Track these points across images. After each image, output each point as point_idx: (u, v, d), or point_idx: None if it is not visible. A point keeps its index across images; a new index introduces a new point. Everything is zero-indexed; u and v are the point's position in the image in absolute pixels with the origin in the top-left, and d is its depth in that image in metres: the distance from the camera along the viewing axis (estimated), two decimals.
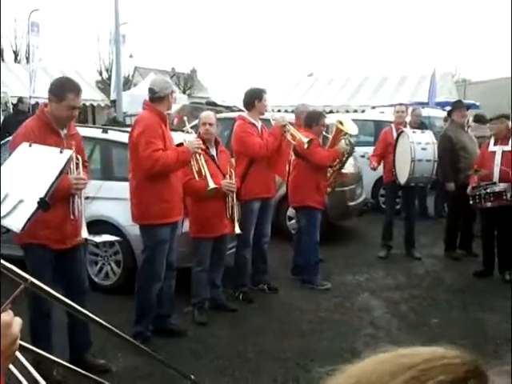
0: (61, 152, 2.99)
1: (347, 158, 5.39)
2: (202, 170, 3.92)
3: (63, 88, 3.13)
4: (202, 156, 3.94)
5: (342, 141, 5.10)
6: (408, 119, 6.69)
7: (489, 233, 5.66)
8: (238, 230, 4.27)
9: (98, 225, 4.60)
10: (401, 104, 6.65)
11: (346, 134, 5.13)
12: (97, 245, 4.60)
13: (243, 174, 4.58)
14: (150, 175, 3.59)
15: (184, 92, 26.15)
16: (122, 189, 4.25)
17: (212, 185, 3.91)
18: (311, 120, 5.06)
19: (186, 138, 3.95)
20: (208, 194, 3.96)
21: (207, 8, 72.84)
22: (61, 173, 2.90)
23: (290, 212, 6.56)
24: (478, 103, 16.64)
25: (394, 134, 6.11)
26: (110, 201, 4.74)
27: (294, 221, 6.53)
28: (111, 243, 4.76)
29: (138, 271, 3.93)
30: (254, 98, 4.72)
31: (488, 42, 68.26)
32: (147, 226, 3.72)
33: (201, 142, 3.90)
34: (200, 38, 71.40)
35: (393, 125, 6.35)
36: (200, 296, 4.24)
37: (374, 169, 6.31)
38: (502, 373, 0.52)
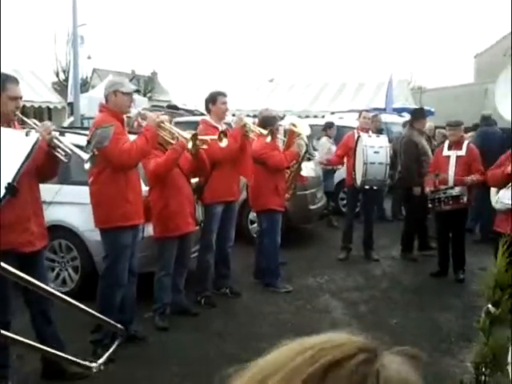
0: (27, 135, 2.90)
1: (303, 159, 5.46)
2: (173, 132, 3.89)
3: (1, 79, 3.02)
4: (166, 123, 3.91)
5: (297, 142, 5.17)
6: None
7: (444, 235, 5.87)
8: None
9: (56, 230, 4.48)
10: (366, 110, 6.81)
11: (300, 134, 5.22)
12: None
13: (206, 176, 4.57)
14: (131, 166, 3.59)
15: (144, 95, 25.79)
16: (80, 193, 4.18)
17: (188, 135, 3.86)
18: (266, 124, 5.08)
19: None
20: (193, 149, 3.94)
21: (169, 10, 72.34)
22: (27, 157, 2.82)
23: (252, 216, 6.59)
24: (432, 109, 17.23)
25: (356, 139, 6.27)
26: (67, 205, 4.63)
27: (255, 224, 6.57)
28: (68, 248, 4.66)
29: (99, 277, 3.85)
30: (208, 102, 4.74)
31: (442, 50, 70.87)
32: (109, 230, 3.65)
33: (159, 113, 3.90)
34: (161, 40, 70.72)
35: (355, 130, 6.51)
36: (162, 301, 4.20)
37: (333, 166, 6.49)
38: (399, 353, 0.56)
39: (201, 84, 19.92)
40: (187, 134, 3.91)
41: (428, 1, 76.18)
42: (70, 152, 3.11)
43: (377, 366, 0.51)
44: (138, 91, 4.33)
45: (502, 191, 4.52)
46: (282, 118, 6.38)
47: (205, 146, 4.25)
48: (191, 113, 10.35)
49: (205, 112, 7.70)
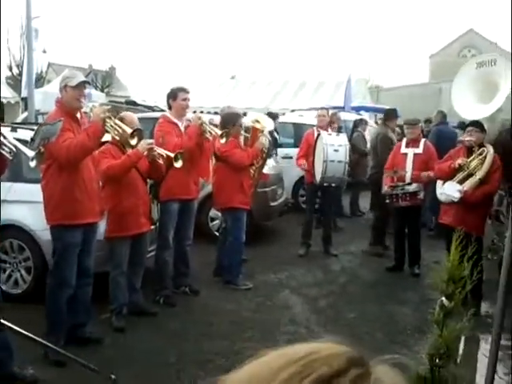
0: None
1: (268, 156, 5.48)
2: (119, 129, 3.77)
3: None
4: (112, 118, 3.78)
5: (261, 138, 5.16)
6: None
7: (400, 230, 6.02)
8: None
9: (7, 230, 4.30)
10: (322, 108, 6.87)
11: (263, 131, 5.21)
12: None
13: (162, 174, 4.49)
14: (71, 164, 3.44)
15: (102, 90, 25.16)
16: (33, 191, 4.02)
17: (130, 130, 3.75)
18: (228, 121, 5.06)
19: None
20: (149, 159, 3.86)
21: (127, 4, 70.87)
22: None
23: (212, 213, 6.55)
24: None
25: (315, 137, 6.32)
26: (19, 204, 4.44)
27: (216, 222, 6.53)
28: (20, 248, 4.48)
29: (48, 276, 3.72)
30: (169, 98, 4.67)
31: (399, 51, 72.65)
32: (56, 227, 3.52)
33: (105, 107, 3.79)
34: (120, 34, 69.29)
35: (315, 128, 6.56)
36: (118, 301, 4.10)
37: (301, 167, 6.51)
38: (383, 362, 0.54)
39: (161, 80, 19.55)
40: (129, 129, 3.77)
41: (385, 2, 78.01)
42: (14, 149, 2.98)
43: (371, 382, 0.49)
44: (87, 82, 4.14)
45: (446, 183, 4.67)
46: (244, 115, 6.35)
47: (161, 161, 4.16)
48: (151, 109, 10.16)
49: (165, 108, 7.60)
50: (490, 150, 4.56)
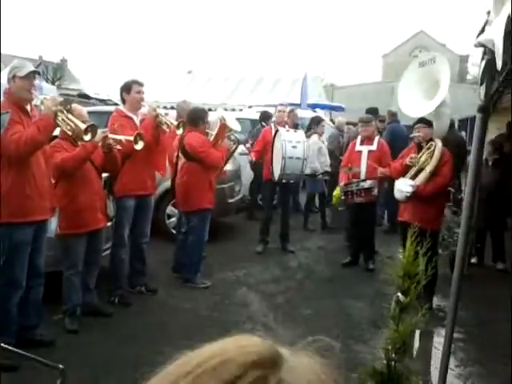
0: None
1: (232, 155, 5.45)
2: (72, 123, 3.62)
3: None
4: (65, 111, 3.63)
5: (227, 137, 5.11)
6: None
7: (355, 226, 6.14)
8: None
9: None
10: (281, 104, 6.89)
11: (231, 130, 5.16)
12: None
13: (117, 169, 4.36)
14: (21, 158, 3.28)
15: (53, 83, 24.25)
16: None
17: (83, 125, 3.62)
18: (197, 118, 4.96)
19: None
20: (105, 149, 3.75)
21: None
22: None
23: (170, 210, 6.44)
24: (343, 106, 17.94)
25: (273, 133, 6.33)
26: None
27: (173, 219, 6.43)
28: None
29: None
30: (122, 91, 4.55)
31: (353, 50, 74.08)
32: (5, 225, 3.34)
33: (57, 99, 3.65)
34: (71, 24, 66.91)
35: (273, 124, 6.57)
36: (72, 302, 3.95)
37: (253, 163, 6.49)
38: (310, 347, 0.51)
39: (115, 73, 19.05)
40: (83, 125, 3.64)
41: (339, 3, 79.33)
42: None
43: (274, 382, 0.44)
44: (37, 73, 3.93)
45: (399, 180, 4.79)
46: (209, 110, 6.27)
47: (118, 147, 4.05)
48: (104, 102, 9.89)
49: (118, 102, 7.40)
50: (438, 144, 4.70)
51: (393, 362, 2.41)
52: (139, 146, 4.13)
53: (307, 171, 6.58)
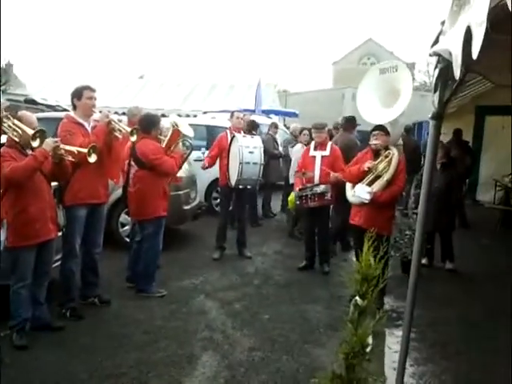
0: None
1: (184, 161, 5.38)
2: (19, 129, 3.44)
3: None
4: (11, 118, 3.45)
5: (180, 143, 5.04)
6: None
7: (310, 230, 6.20)
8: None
9: None
10: (239, 111, 6.88)
11: (184, 136, 5.09)
12: None
13: (68, 177, 4.19)
14: None
15: None
16: None
17: (31, 130, 3.45)
18: (150, 124, 4.87)
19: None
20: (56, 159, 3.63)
21: None
22: None
23: (123, 218, 6.28)
24: (297, 112, 18.18)
25: (229, 139, 6.30)
26: None
27: (126, 227, 6.27)
28: None
29: None
30: (73, 97, 4.39)
31: (304, 57, 75.41)
32: None
33: (3, 104, 3.48)
34: (18, 27, 64.31)
35: (228, 130, 6.54)
36: (20, 316, 3.75)
37: (204, 168, 6.44)
38: None
39: (63, 78, 18.47)
40: (31, 130, 3.49)
41: (290, 12, 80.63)
42: None
43: None
44: None
45: (357, 186, 4.87)
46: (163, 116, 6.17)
47: (70, 158, 3.90)
48: (52, 108, 9.55)
49: (68, 108, 7.14)
50: (394, 153, 4.83)
51: (352, 366, 2.43)
52: (92, 158, 4.01)
53: (291, 180, 6.63)
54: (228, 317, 4.58)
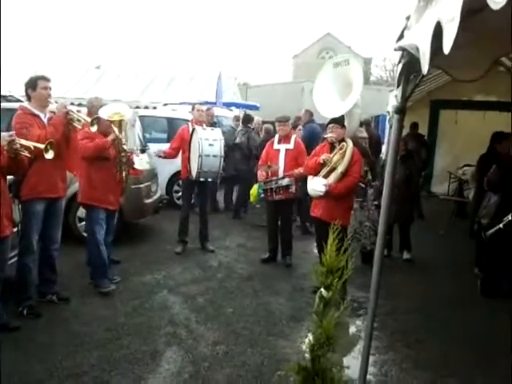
0: None
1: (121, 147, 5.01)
2: None
3: None
4: None
5: (115, 129, 4.69)
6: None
7: (273, 223, 6.23)
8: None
9: None
10: (201, 103, 6.78)
11: (121, 121, 4.75)
12: None
13: (24, 171, 4.02)
14: None
15: None
16: None
17: None
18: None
19: None
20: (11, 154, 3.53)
21: None
22: None
23: (81, 212, 6.10)
24: (258, 105, 18.20)
25: (191, 132, 6.22)
26: None
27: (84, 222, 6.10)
28: None
29: None
30: (27, 87, 4.22)
31: (265, 50, 75.47)
32: None
33: None
34: None
35: (190, 123, 6.46)
36: None
37: (161, 157, 6.43)
38: None
39: (16, 67, 17.76)
40: None
41: (251, 5, 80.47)
42: None
43: None
44: None
45: (314, 179, 4.94)
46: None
47: (27, 154, 3.74)
48: (4, 99, 9.13)
49: (21, 98, 6.84)
50: (349, 145, 4.91)
51: (317, 358, 2.45)
52: (50, 155, 3.86)
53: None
54: (191, 311, 4.55)
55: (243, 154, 8.84)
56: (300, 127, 8.07)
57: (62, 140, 4.19)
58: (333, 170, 4.86)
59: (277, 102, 24.49)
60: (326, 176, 4.87)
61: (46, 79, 4.26)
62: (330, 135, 4.97)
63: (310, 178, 5.12)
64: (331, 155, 4.89)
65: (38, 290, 4.45)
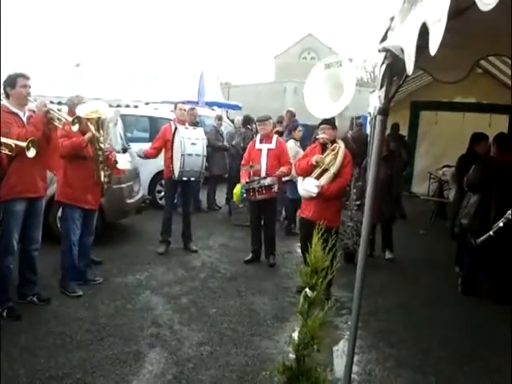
0: None
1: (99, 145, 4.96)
2: None
3: None
4: None
5: (92, 127, 4.64)
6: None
7: (256, 222, 6.23)
8: None
9: None
10: (183, 102, 6.74)
11: (99, 118, 4.69)
12: None
13: (4, 170, 3.94)
14: None
15: None
16: None
17: None
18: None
19: None
20: None
21: None
22: None
23: (61, 213, 6.01)
24: (240, 105, 18.18)
25: (173, 131, 6.18)
26: None
27: None
28: None
29: None
30: (6, 85, 4.13)
31: (246, 50, 75.46)
32: None
33: None
34: None
35: (172, 122, 6.41)
36: None
37: (143, 157, 6.41)
38: None
39: None
40: None
41: (233, 4, 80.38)
42: None
43: None
44: None
45: (306, 180, 4.95)
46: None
47: (7, 152, 3.67)
48: None
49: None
50: (341, 146, 4.93)
51: (302, 357, 2.46)
52: (31, 153, 3.81)
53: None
54: (175, 312, 4.52)
55: (240, 155, 8.86)
56: (300, 128, 8.02)
57: (43, 139, 4.12)
58: (325, 171, 4.86)
59: (259, 101, 24.54)
60: (318, 177, 4.87)
61: (26, 77, 4.19)
62: (321, 136, 4.98)
63: (300, 179, 5.13)
64: (323, 156, 4.90)
65: (18, 291, 4.38)
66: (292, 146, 7.30)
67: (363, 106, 10.37)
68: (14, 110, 4.12)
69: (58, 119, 4.21)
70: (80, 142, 4.62)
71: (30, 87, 4.21)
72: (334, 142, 4.95)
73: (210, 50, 70.64)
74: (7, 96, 4.16)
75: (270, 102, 24.95)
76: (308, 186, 4.85)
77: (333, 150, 4.89)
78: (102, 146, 4.74)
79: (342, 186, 4.90)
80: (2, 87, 4.18)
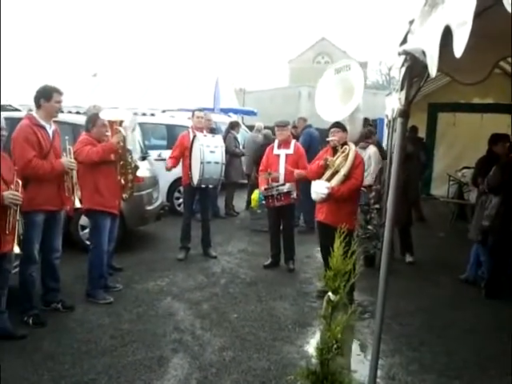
0: None
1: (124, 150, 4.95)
2: None
3: None
4: None
5: (121, 128, 4.75)
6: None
7: (275, 228, 6.24)
8: (17, 250, 3.64)
9: None
10: (200, 109, 6.78)
11: (121, 123, 4.79)
12: None
13: (24, 181, 4.00)
14: None
15: None
16: None
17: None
18: (87, 123, 4.81)
19: None
20: None
21: None
22: None
23: (83, 221, 6.10)
24: (256, 110, 18.25)
25: (191, 138, 6.23)
26: None
27: (87, 230, 6.10)
28: None
29: None
30: (41, 97, 4.21)
31: (261, 56, 75.74)
32: None
33: None
34: None
35: (190, 129, 6.46)
36: None
37: (168, 169, 6.33)
38: None
39: (13, 76, 17.75)
40: None
41: (246, 10, 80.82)
42: None
43: None
44: None
45: (316, 182, 4.94)
46: None
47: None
48: (3, 108, 9.14)
49: (19, 107, 6.86)
50: (351, 148, 4.93)
51: (326, 361, 2.46)
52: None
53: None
54: (196, 318, 4.54)
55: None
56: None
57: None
58: (335, 173, 4.86)
59: (274, 106, 24.59)
60: (329, 179, 4.87)
61: (60, 93, 4.28)
62: (332, 138, 4.99)
63: (313, 182, 5.14)
64: (334, 158, 4.90)
65: (43, 298, 4.45)
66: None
67: (379, 109, 10.34)
68: (42, 122, 4.19)
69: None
70: (110, 145, 4.69)
71: (61, 102, 4.32)
72: (344, 144, 4.95)
73: (225, 57, 71.07)
74: (39, 107, 4.23)
75: (285, 106, 25.00)
76: (318, 188, 4.84)
77: (343, 151, 4.89)
78: (129, 147, 4.84)
79: (352, 188, 4.87)
80: (33, 97, 4.24)
